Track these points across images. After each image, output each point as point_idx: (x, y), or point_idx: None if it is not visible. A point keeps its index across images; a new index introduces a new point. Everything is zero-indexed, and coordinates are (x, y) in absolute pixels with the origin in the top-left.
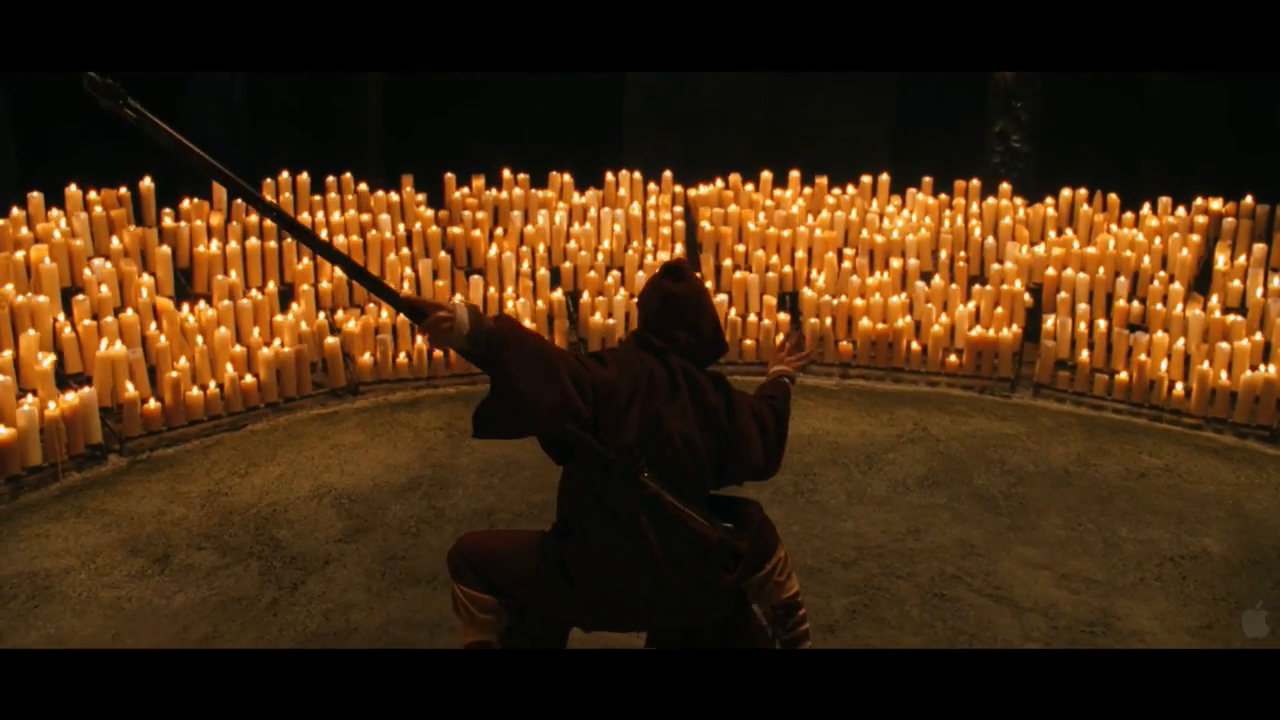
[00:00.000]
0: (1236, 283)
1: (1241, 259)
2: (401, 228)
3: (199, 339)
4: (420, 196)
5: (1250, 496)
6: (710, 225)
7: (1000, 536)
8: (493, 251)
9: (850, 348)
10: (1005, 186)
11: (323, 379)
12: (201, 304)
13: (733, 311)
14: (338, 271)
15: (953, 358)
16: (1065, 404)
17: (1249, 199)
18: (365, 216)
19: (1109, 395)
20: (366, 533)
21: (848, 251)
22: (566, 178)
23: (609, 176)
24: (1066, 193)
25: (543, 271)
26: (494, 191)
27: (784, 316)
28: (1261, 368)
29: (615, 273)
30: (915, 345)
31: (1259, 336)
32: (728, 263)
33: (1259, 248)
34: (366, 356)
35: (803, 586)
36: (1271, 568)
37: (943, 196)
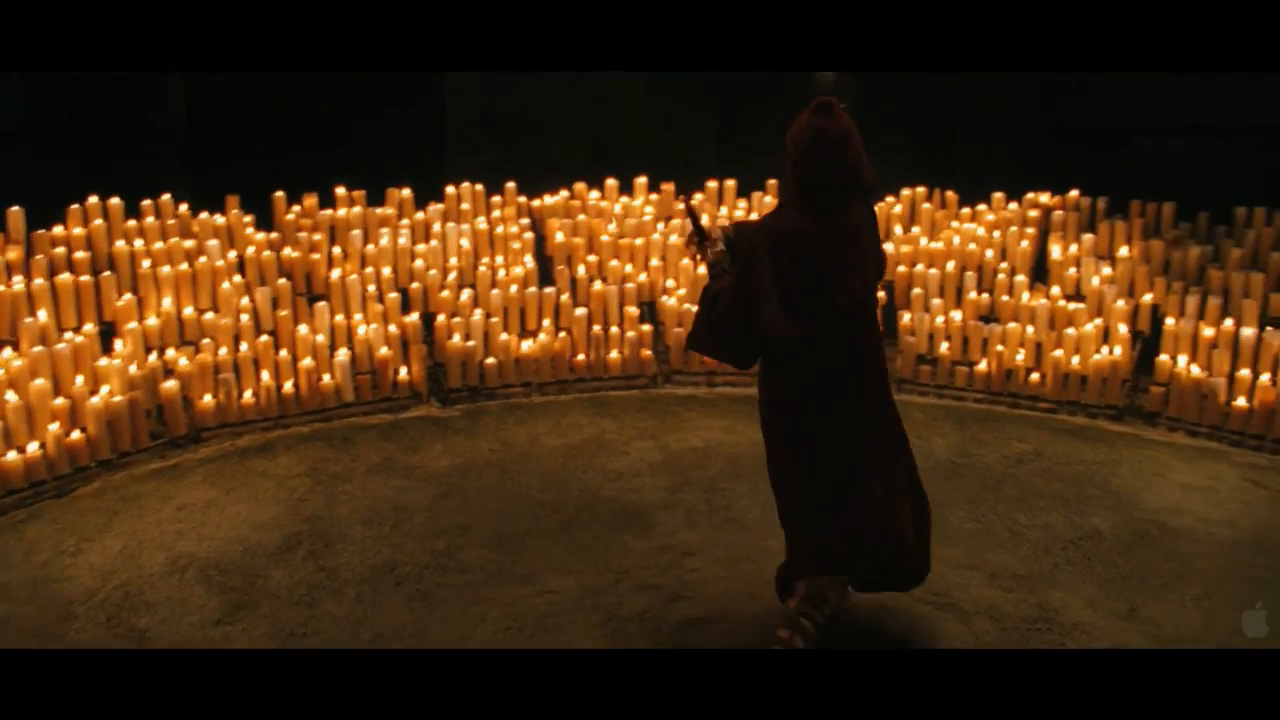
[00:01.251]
0: (1072, 271)
1: (1074, 249)
2: (232, 254)
3: (9, 393)
4: (248, 219)
5: (1114, 473)
6: (562, 236)
7: None
8: (335, 275)
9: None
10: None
11: (159, 428)
12: (7, 351)
13: (597, 327)
14: (165, 304)
15: None
16: (929, 397)
17: (1075, 193)
18: (190, 243)
19: (970, 386)
20: (250, 609)
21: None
22: (406, 193)
23: (450, 190)
24: (907, 191)
25: (393, 295)
26: (329, 211)
27: (647, 328)
28: (1105, 350)
29: (468, 291)
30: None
31: (1099, 321)
32: (581, 272)
33: (1088, 238)
34: (208, 398)
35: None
36: (1157, 541)
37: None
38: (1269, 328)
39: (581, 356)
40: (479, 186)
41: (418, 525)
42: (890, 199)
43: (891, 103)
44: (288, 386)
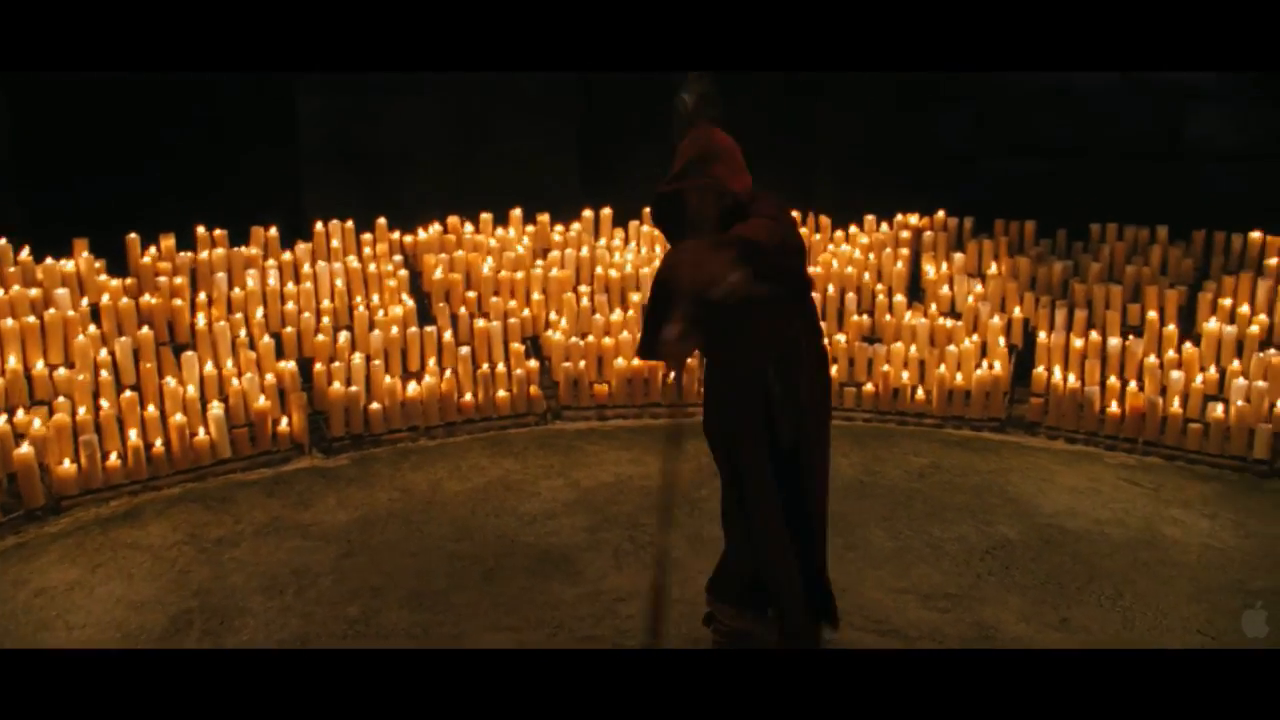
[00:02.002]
0: (946, 289)
1: (945, 267)
2: (85, 302)
3: None
4: (99, 264)
5: (1008, 481)
6: (440, 273)
7: (843, 559)
8: (201, 321)
9: (606, 389)
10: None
11: (11, 500)
12: None
13: (485, 365)
14: (11, 362)
15: None
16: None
17: (941, 213)
18: (35, 292)
19: (858, 406)
20: None
21: (583, 289)
22: (272, 231)
23: (319, 227)
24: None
25: (266, 340)
26: (189, 253)
27: (533, 364)
28: (985, 366)
29: (345, 333)
30: (671, 379)
31: (976, 338)
32: (462, 310)
33: (959, 256)
34: (67, 464)
35: None
36: (1060, 545)
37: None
38: (1130, 336)
39: (469, 396)
40: (348, 223)
41: (325, 590)
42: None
43: (755, 124)
44: (158, 445)
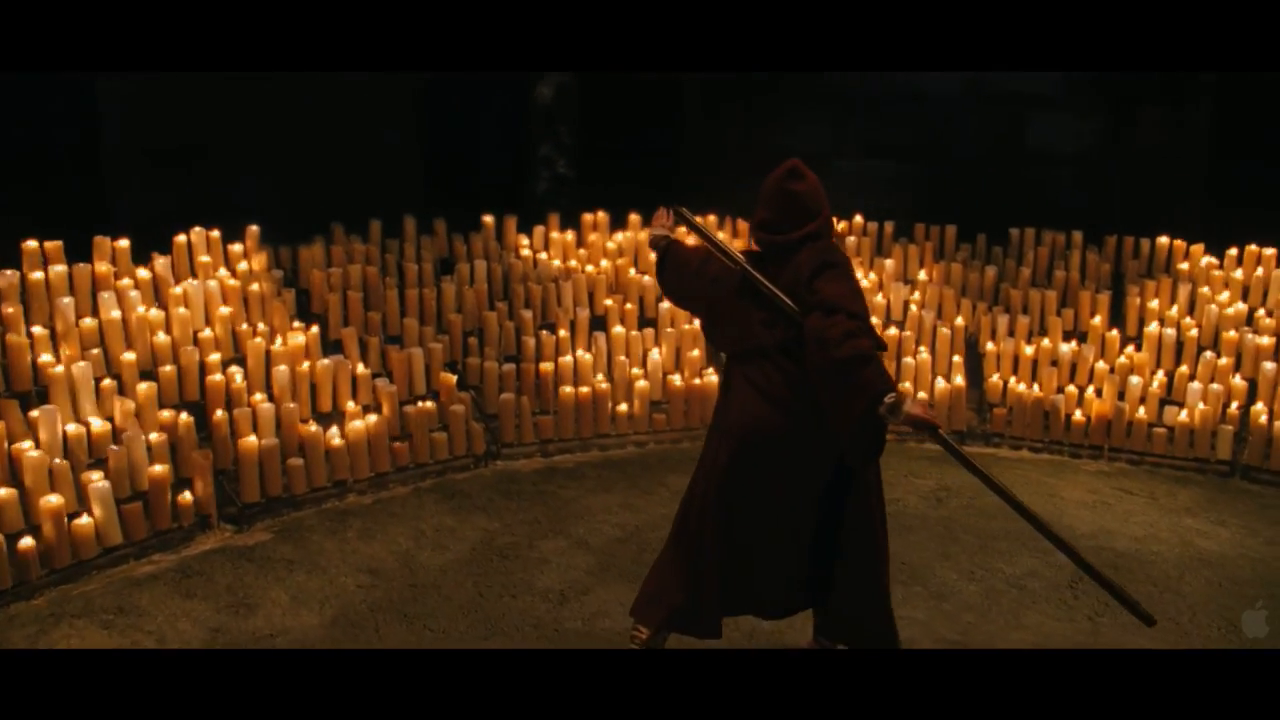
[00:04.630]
0: (880, 298)
1: (874, 275)
2: None
3: None
4: None
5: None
6: (335, 291)
7: (940, 611)
8: (57, 367)
9: (551, 420)
10: (635, 217)
11: None
12: None
13: (428, 402)
14: None
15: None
16: None
17: (859, 217)
18: None
19: None
20: None
21: (502, 305)
22: (123, 243)
23: (180, 238)
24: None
25: (144, 386)
26: (12, 272)
27: (464, 396)
28: (941, 380)
29: (237, 369)
30: (623, 407)
31: (924, 352)
32: (376, 340)
33: (889, 263)
34: None
35: None
36: (1130, 570)
37: (568, 234)
38: (1075, 341)
39: (404, 442)
40: (214, 232)
41: None
42: (681, 229)
43: (620, 129)
44: (25, 542)
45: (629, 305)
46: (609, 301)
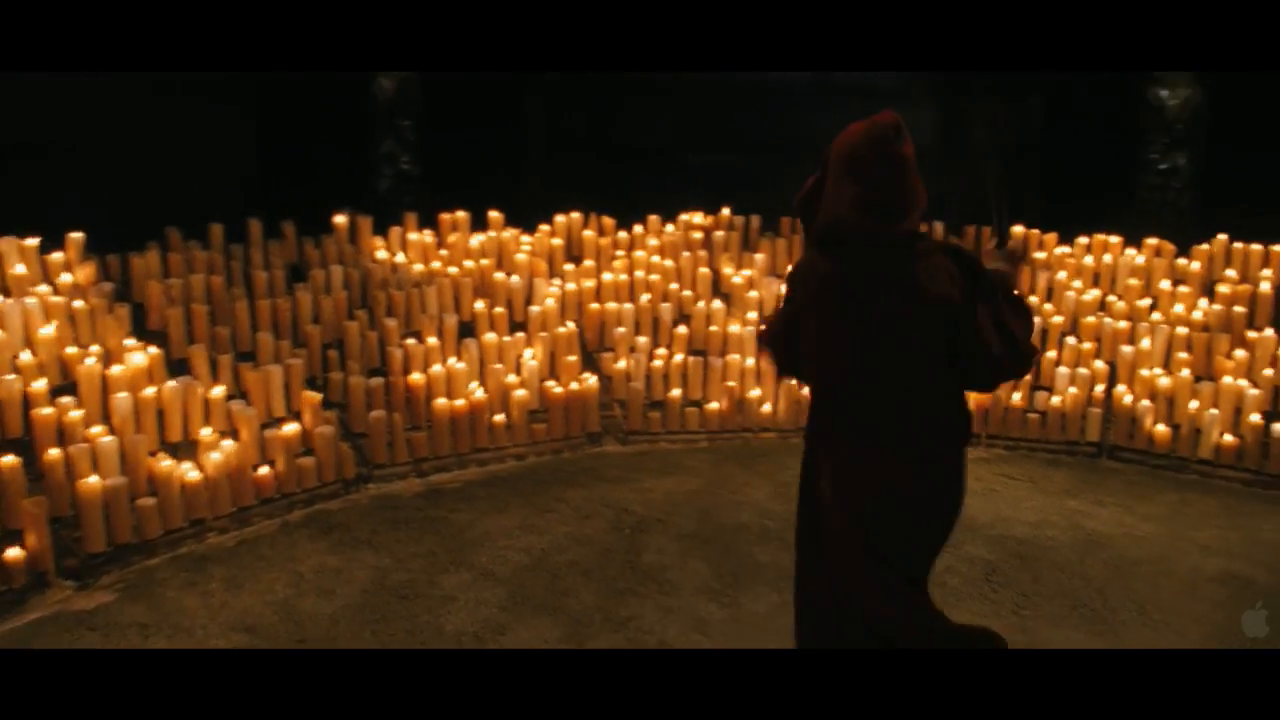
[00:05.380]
0: (754, 293)
1: (748, 271)
2: None
3: None
4: None
5: None
6: (174, 304)
7: None
8: None
9: (425, 437)
10: (496, 215)
11: None
12: None
13: (292, 426)
14: None
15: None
16: (660, 443)
17: (726, 211)
18: None
19: (703, 427)
20: None
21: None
22: None
23: None
24: (561, 219)
25: None
26: None
27: (331, 414)
28: None
29: (68, 399)
30: (500, 417)
31: None
32: (226, 358)
33: (759, 258)
34: None
35: None
36: (1033, 559)
37: (426, 234)
38: None
39: (266, 469)
40: (30, 241)
41: None
42: (544, 228)
43: (465, 123)
44: None
45: (498, 309)
46: (479, 305)
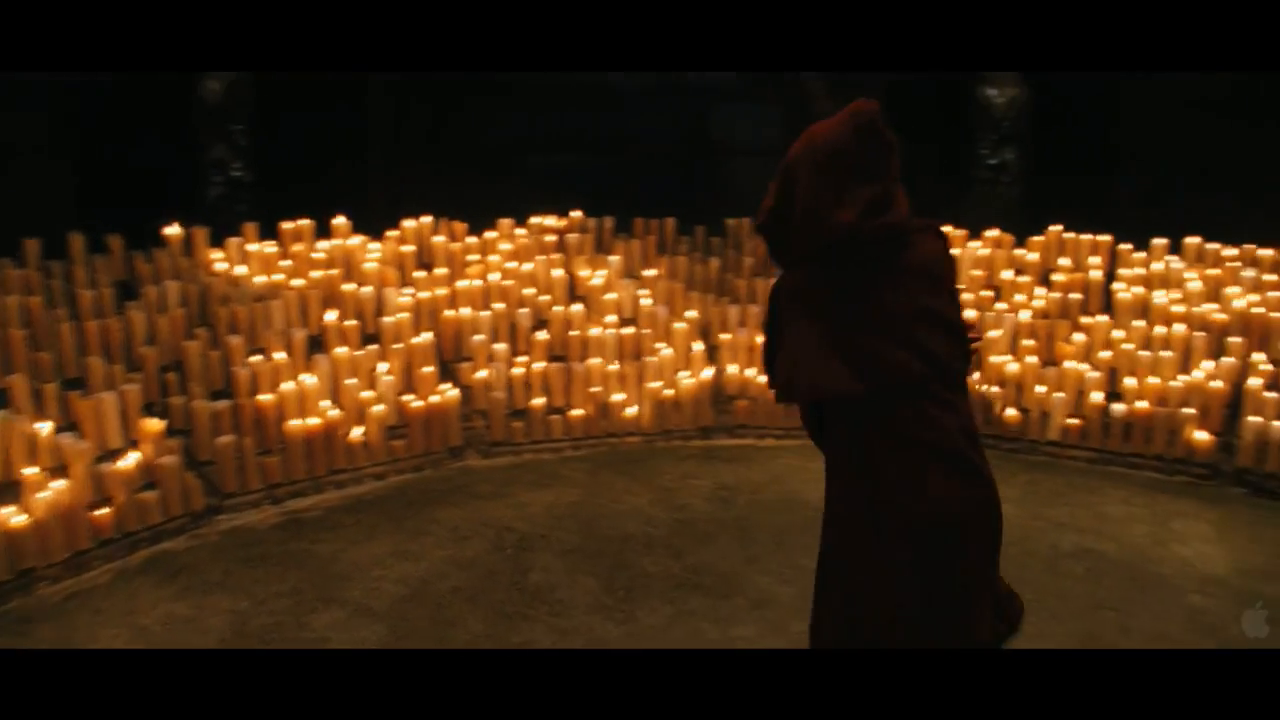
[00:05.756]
0: (611, 295)
1: (604, 272)
2: None
3: None
4: None
5: (799, 491)
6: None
7: (787, 628)
8: None
9: (279, 460)
10: (341, 222)
11: None
12: None
13: (129, 459)
14: None
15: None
16: (526, 455)
17: (578, 213)
18: None
19: (568, 435)
20: None
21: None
22: None
23: None
24: (410, 224)
25: None
26: None
27: (175, 442)
28: (685, 374)
29: None
30: (357, 435)
31: (665, 349)
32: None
33: (615, 259)
34: None
35: None
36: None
37: (268, 244)
38: None
39: (105, 510)
40: None
41: None
42: (393, 234)
43: (300, 126)
44: None
45: (349, 321)
46: (328, 317)
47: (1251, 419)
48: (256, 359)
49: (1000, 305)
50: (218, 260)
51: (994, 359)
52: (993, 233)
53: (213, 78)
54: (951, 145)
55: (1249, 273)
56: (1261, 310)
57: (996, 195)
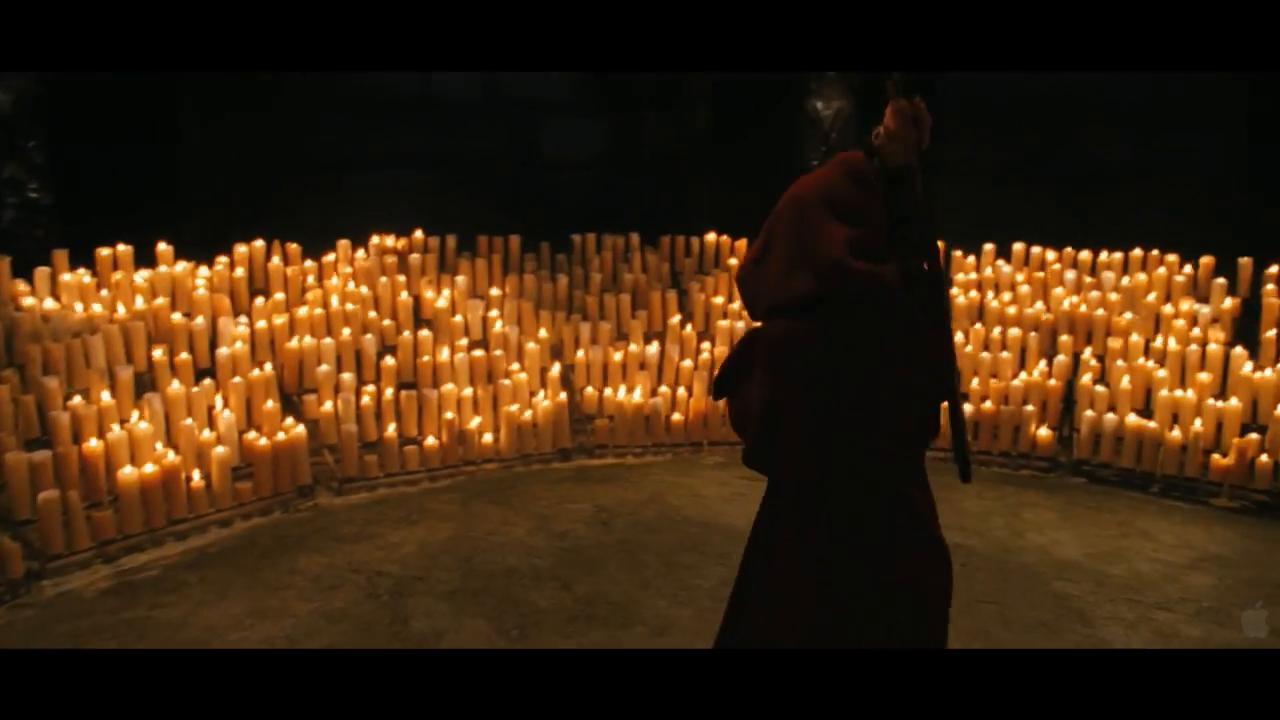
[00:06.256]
0: (458, 318)
1: (448, 292)
2: None
3: None
4: None
5: (675, 507)
6: None
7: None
8: None
9: (110, 514)
10: (165, 248)
11: None
12: None
13: None
14: None
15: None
16: (397, 488)
17: (419, 232)
18: None
19: (423, 466)
20: None
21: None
22: None
23: None
24: (242, 248)
25: None
26: None
27: None
28: (539, 396)
29: None
30: (197, 480)
31: (520, 371)
32: None
33: (461, 279)
34: None
35: None
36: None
37: (82, 274)
38: (655, 342)
39: None
40: None
41: None
42: (223, 259)
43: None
44: None
45: (181, 355)
46: (157, 353)
47: (1087, 414)
48: (77, 402)
49: None
50: (24, 294)
51: None
52: None
53: (0, 88)
54: (779, 157)
55: (1070, 274)
56: (1084, 310)
57: None
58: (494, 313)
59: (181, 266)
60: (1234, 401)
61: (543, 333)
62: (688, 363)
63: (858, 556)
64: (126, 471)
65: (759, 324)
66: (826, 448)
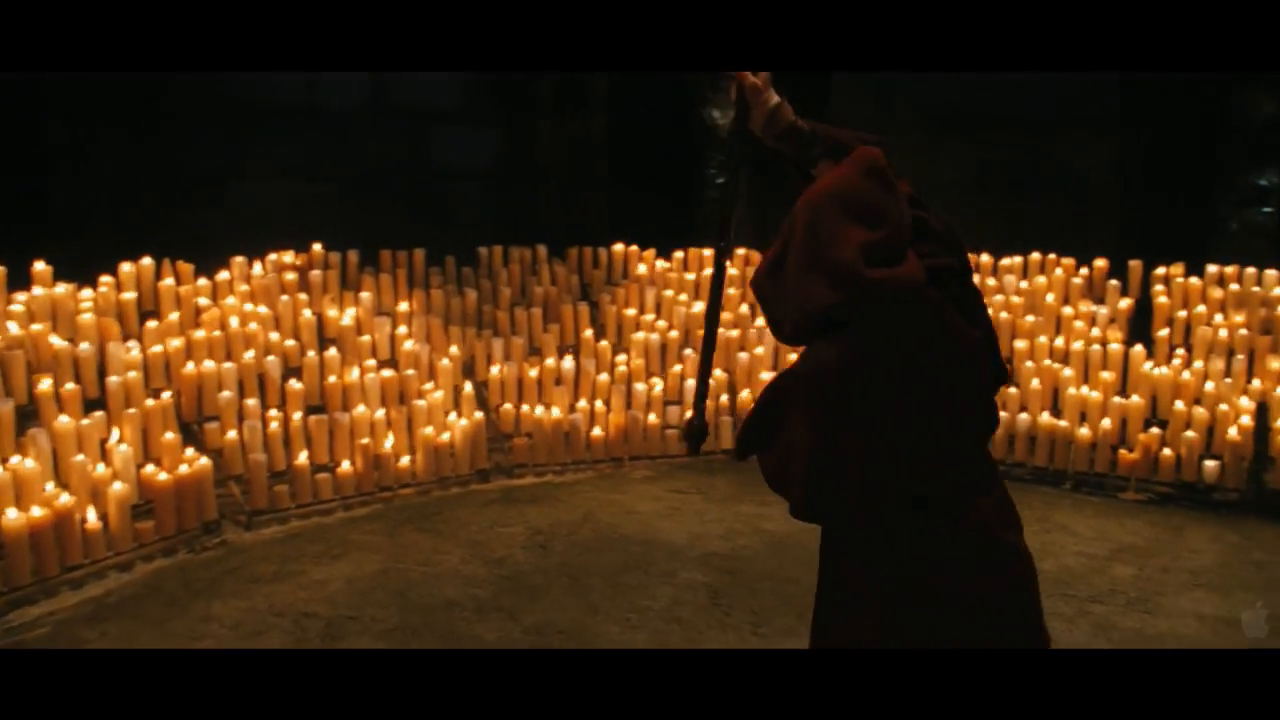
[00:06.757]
0: (365, 337)
1: (353, 310)
2: None
3: None
4: None
5: (610, 525)
6: None
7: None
8: None
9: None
10: (43, 268)
11: None
12: None
13: None
14: None
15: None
16: (312, 519)
17: (318, 247)
18: None
19: (338, 494)
20: None
21: None
22: None
23: None
24: (129, 267)
25: None
26: None
27: None
28: (454, 416)
29: None
30: (93, 521)
31: (434, 390)
32: None
33: (366, 295)
34: None
35: None
36: (743, 573)
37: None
38: (568, 356)
39: None
40: None
41: None
42: (108, 280)
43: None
44: None
45: (67, 385)
46: (44, 385)
47: (1000, 414)
48: None
49: (759, 322)
50: None
51: (764, 375)
52: (741, 251)
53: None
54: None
55: (991, 280)
56: (990, 312)
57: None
58: (402, 329)
59: (62, 288)
60: (1135, 398)
61: (454, 349)
62: (604, 376)
63: (943, 590)
64: (12, 516)
65: (785, 345)
66: (886, 486)
